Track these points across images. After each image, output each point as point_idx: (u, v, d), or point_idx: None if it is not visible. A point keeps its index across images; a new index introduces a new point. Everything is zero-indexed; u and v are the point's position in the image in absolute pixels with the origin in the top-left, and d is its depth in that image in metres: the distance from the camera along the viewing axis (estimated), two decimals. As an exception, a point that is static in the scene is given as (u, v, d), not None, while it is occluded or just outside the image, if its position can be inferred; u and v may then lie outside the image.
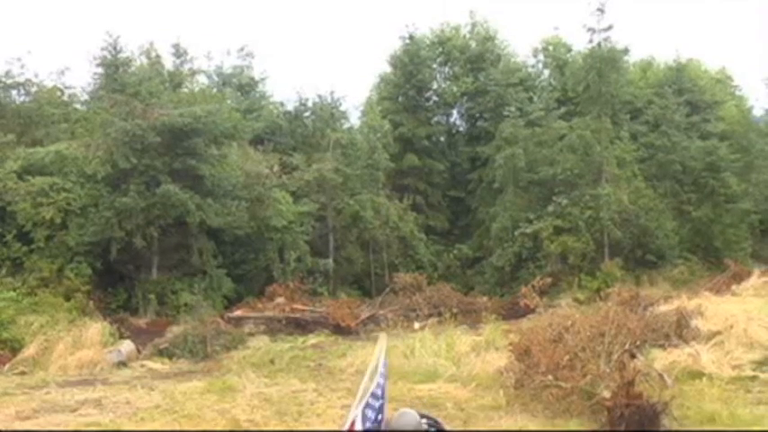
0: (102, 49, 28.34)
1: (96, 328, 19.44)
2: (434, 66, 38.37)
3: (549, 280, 26.84)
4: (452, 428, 6.08)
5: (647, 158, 33.78)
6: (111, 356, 18.56)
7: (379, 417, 5.97)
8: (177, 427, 11.73)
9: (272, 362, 18.59)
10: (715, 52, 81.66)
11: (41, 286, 22.01)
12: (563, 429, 10.94)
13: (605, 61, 31.30)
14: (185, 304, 22.98)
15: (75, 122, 27.55)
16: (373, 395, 5.93)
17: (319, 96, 33.55)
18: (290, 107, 34.86)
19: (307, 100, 34.08)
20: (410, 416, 5.33)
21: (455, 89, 37.25)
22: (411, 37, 36.28)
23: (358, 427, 5.54)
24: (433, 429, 5.63)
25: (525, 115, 33.45)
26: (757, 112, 41.43)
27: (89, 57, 28.69)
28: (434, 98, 37.75)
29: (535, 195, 31.57)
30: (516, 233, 30.44)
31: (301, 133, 33.17)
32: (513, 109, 32.93)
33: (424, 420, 5.59)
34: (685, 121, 35.01)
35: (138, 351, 19.53)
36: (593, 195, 29.63)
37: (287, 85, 67.30)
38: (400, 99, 36.02)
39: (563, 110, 34.56)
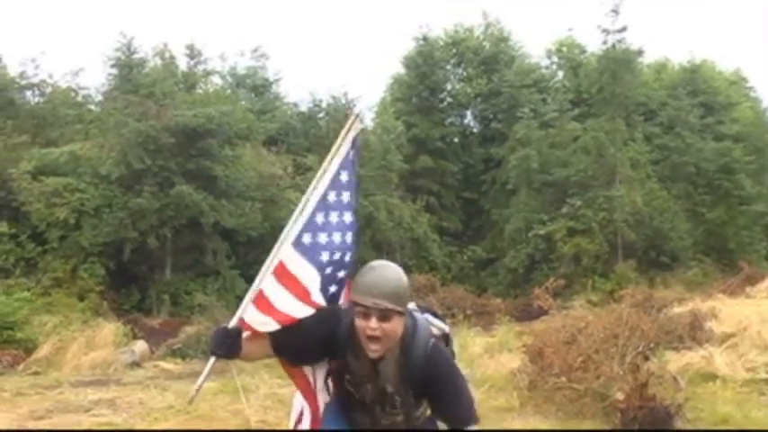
0: (116, 49, 28.37)
1: (110, 329, 19.40)
2: (448, 67, 38.33)
3: (562, 282, 26.87)
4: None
5: (660, 160, 33.68)
6: (125, 357, 18.53)
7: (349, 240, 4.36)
8: (190, 428, 11.74)
9: (284, 362, 18.57)
10: (730, 54, 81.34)
11: (55, 286, 22.01)
12: (576, 430, 10.89)
13: (619, 63, 31.17)
14: (199, 305, 22.91)
15: (89, 123, 27.55)
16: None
17: (333, 97, 33.58)
18: (303, 108, 34.88)
19: (320, 101, 34.14)
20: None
21: (469, 90, 37.18)
22: (425, 38, 36.22)
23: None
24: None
25: (539, 117, 33.41)
26: (772, 114, 41.33)
27: (103, 57, 28.67)
28: (448, 99, 37.65)
29: (548, 197, 31.47)
30: (529, 235, 30.39)
31: (315, 134, 33.11)
32: (526, 110, 32.84)
33: (426, 316, 4.22)
34: (699, 123, 34.87)
35: (152, 351, 19.48)
36: (606, 197, 29.50)
37: (301, 86, 67.48)
38: (414, 100, 35.89)
39: (577, 111, 34.50)
